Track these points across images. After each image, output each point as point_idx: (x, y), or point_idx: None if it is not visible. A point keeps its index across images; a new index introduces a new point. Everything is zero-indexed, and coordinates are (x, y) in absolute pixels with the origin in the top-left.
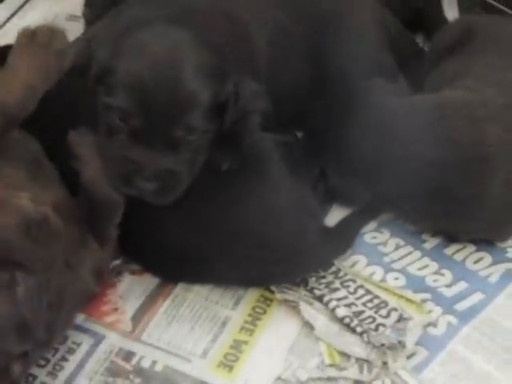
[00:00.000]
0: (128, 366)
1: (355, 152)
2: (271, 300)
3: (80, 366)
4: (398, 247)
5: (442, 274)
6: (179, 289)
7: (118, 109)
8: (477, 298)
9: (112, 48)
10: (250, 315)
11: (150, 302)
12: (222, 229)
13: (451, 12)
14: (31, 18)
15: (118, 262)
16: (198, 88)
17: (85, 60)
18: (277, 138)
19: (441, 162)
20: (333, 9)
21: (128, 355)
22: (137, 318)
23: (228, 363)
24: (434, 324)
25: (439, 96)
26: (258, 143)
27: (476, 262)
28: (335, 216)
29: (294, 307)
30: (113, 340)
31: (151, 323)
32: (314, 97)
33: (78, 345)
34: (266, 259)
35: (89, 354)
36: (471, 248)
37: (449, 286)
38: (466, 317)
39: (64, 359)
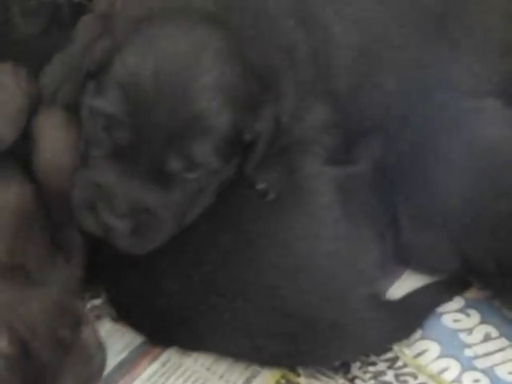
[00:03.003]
0: None
1: (442, 199)
2: None
3: None
4: (487, 339)
5: None
6: (173, 351)
7: (103, 113)
8: None
9: (116, 38)
10: None
11: (131, 363)
12: (230, 283)
13: None
14: None
15: (98, 302)
16: (212, 110)
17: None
18: (340, 171)
19: None
20: (453, 6)
21: None
22: (108, 381)
23: None
24: None
25: None
26: (309, 175)
27: None
28: (406, 286)
29: None
30: None
31: None
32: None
33: None
34: (290, 330)
35: None
36: None
37: None
38: None
39: None
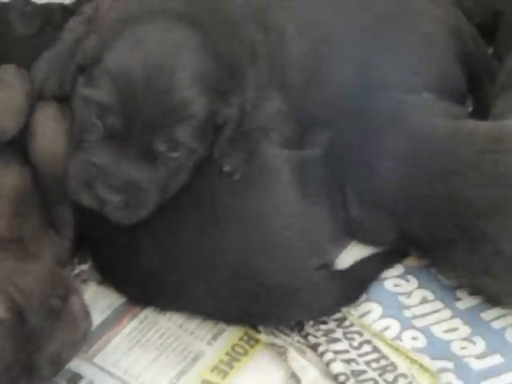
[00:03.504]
0: None
1: (382, 181)
2: (257, 341)
3: None
4: (423, 301)
5: (473, 342)
6: (150, 310)
7: (97, 103)
8: None
9: (104, 37)
10: (227, 354)
11: (113, 320)
12: (201, 251)
13: None
14: None
15: (85, 267)
16: (191, 98)
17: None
18: (296, 154)
19: (487, 204)
20: (393, 12)
21: (74, 377)
22: (95, 336)
23: None
24: None
25: (499, 126)
26: (268, 158)
27: None
28: (353, 255)
29: (281, 353)
30: None
31: (110, 344)
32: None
33: None
34: (252, 293)
35: None
36: None
37: (479, 357)
38: None
39: None
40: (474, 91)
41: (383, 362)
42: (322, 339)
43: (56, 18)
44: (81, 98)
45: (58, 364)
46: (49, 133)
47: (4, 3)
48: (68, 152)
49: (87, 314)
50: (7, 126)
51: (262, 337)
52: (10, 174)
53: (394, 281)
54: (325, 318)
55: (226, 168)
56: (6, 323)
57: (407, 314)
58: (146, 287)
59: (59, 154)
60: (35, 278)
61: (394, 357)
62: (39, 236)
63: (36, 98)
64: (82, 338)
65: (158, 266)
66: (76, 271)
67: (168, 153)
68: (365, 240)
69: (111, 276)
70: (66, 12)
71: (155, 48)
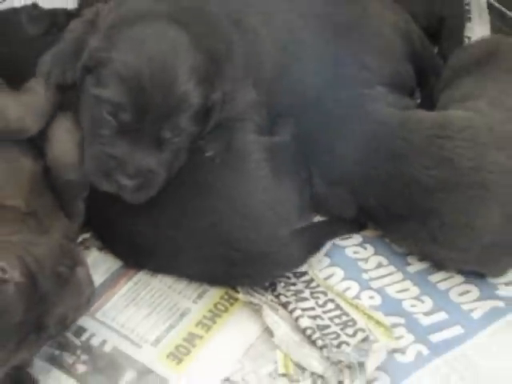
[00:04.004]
0: (77, 342)
1: (343, 162)
2: (236, 299)
3: None
4: (379, 266)
5: (422, 301)
6: (144, 273)
7: (108, 102)
8: (455, 331)
9: (107, 38)
10: (210, 311)
11: (111, 281)
12: (186, 223)
13: (480, 28)
14: None
15: (87, 235)
16: (190, 90)
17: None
18: (267, 140)
19: (434, 183)
20: (352, 16)
21: (79, 330)
22: (96, 295)
23: (178, 355)
24: (402, 351)
25: (443, 115)
26: (244, 143)
27: (461, 295)
28: None
29: (257, 310)
30: None
31: (109, 302)
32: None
33: None
34: (230, 258)
35: None
36: (459, 279)
37: (427, 314)
38: (438, 349)
39: None
40: (422, 86)
41: (344, 318)
42: (292, 298)
43: (60, 21)
44: (91, 96)
45: (64, 325)
46: (62, 142)
47: (15, 8)
48: (79, 160)
49: (91, 283)
50: (31, 126)
51: (241, 296)
52: (28, 160)
53: (354, 249)
54: (294, 280)
55: (209, 153)
56: (20, 286)
57: (365, 276)
58: (140, 254)
59: (71, 161)
60: (47, 249)
61: (353, 313)
62: (51, 214)
63: (57, 105)
64: (86, 303)
65: (150, 235)
66: (79, 239)
67: (172, 138)
68: (327, 214)
69: (110, 243)
70: (70, 16)
71: (156, 49)
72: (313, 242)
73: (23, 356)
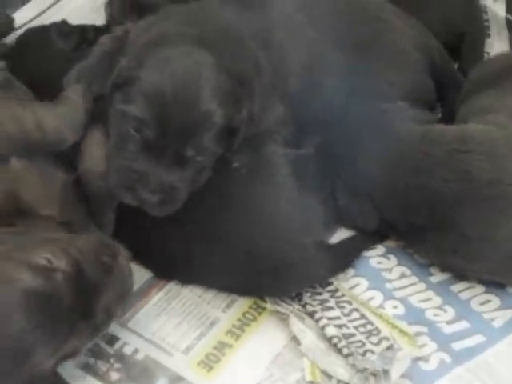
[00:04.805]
0: (110, 350)
1: (366, 176)
2: (263, 308)
3: None
4: (402, 276)
5: (444, 310)
6: (174, 283)
7: (134, 118)
8: (477, 340)
9: (137, 58)
10: (239, 320)
11: (142, 291)
12: (215, 235)
13: (499, 44)
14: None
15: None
16: (213, 110)
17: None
18: (293, 153)
19: (454, 195)
20: (374, 32)
21: (112, 339)
22: (128, 304)
23: (208, 363)
24: (425, 359)
25: (463, 129)
26: (272, 156)
27: (482, 304)
28: (342, 237)
29: (284, 319)
30: None
31: (140, 312)
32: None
33: None
34: (257, 269)
35: None
36: (480, 289)
37: (449, 323)
38: (461, 357)
39: None
40: (442, 100)
41: (369, 327)
42: (318, 307)
43: (89, 37)
44: (118, 112)
45: (110, 313)
46: (94, 155)
47: (46, 25)
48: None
49: (131, 272)
50: (68, 137)
51: (268, 305)
52: (59, 171)
53: (378, 259)
54: (320, 290)
55: (235, 164)
56: (67, 274)
57: (389, 286)
58: (171, 264)
59: (101, 170)
60: (88, 241)
61: (378, 322)
62: (83, 224)
63: (91, 115)
64: (129, 289)
65: (180, 247)
66: None
67: (195, 157)
68: (351, 226)
69: (141, 254)
70: (98, 31)
71: (180, 69)
72: (341, 257)
73: (74, 344)
